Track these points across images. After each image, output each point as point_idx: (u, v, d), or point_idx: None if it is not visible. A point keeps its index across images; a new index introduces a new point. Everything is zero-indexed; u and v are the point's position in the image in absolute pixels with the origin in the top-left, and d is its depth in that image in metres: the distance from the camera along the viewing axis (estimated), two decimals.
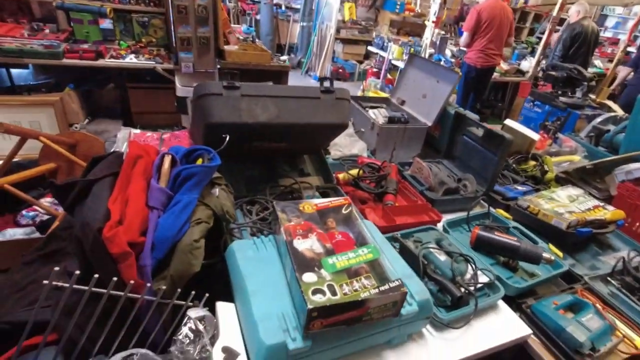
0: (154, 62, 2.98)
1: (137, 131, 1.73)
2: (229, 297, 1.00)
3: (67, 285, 0.77)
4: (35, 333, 0.83)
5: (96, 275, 0.78)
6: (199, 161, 1.06)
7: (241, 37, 3.49)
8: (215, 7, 2.82)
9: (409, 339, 1.02)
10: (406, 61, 2.26)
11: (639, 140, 1.96)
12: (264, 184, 1.45)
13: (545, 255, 1.24)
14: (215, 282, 1.04)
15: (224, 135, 1.13)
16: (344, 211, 1.09)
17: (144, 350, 0.86)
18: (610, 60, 6.04)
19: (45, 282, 0.75)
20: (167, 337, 0.94)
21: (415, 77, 2.17)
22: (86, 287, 0.78)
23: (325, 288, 0.81)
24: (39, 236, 1.41)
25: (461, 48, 5.07)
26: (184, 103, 3.05)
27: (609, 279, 1.36)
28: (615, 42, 7.88)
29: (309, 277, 0.83)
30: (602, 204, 1.59)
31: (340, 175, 1.62)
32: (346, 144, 1.85)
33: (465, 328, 1.07)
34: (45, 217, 1.48)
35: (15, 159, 1.45)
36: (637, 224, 1.62)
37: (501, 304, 1.18)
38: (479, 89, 4.43)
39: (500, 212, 1.56)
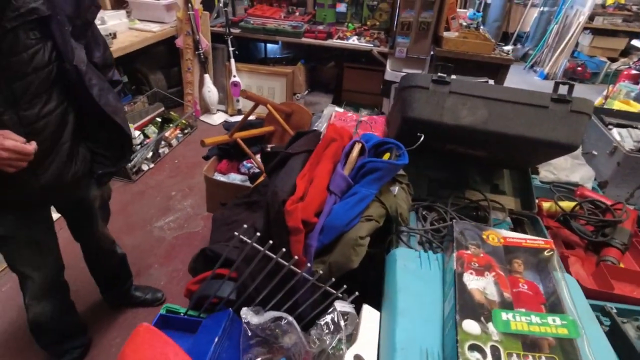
0: (371, 45, 3.10)
1: (340, 110, 1.85)
2: (376, 301, 0.97)
3: (249, 241, 0.89)
4: (224, 265, 1.00)
5: (270, 242, 0.87)
6: (386, 155, 1.03)
7: (465, 24, 3.21)
8: None
9: None
10: None
11: None
12: (447, 191, 1.32)
13: None
14: (368, 282, 1.02)
15: (419, 134, 1.05)
16: (540, 255, 0.86)
17: (291, 318, 0.93)
18: None
19: (235, 233, 0.90)
20: (312, 316, 1.00)
21: None
22: (262, 248, 0.89)
23: (487, 349, 0.66)
24: (248, 185, 1.72)
25: None
26: (389, 87, 3.09)
27: None
28: None
29: (470, 326, 0.69)
30: None
31: (546, 205, 1.31)
32: (564, 167, 1.46)
33: None
34: (257, 170, 1.80)
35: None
36: None
37: None
38: None
39: None
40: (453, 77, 1.43)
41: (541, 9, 5.31)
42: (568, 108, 1.03)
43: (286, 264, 0.90)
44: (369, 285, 1.01)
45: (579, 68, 5.03)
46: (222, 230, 1.50)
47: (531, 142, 1.06)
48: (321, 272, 0.91)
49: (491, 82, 2.67)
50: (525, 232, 1.22)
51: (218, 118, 3.66)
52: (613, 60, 5.20)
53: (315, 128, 1.64)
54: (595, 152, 1.50)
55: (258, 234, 0.87)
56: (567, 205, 1.25)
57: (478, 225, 0.94)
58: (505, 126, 1.04)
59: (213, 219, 1.56)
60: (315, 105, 3.48)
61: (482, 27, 3.42)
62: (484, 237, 0.89)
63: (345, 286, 0.92)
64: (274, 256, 0.89)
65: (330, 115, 1.78)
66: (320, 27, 3.26)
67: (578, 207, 1.23)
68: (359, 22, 3.47)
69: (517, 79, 5.06)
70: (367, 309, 0.91)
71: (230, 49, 3.33)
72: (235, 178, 1.75)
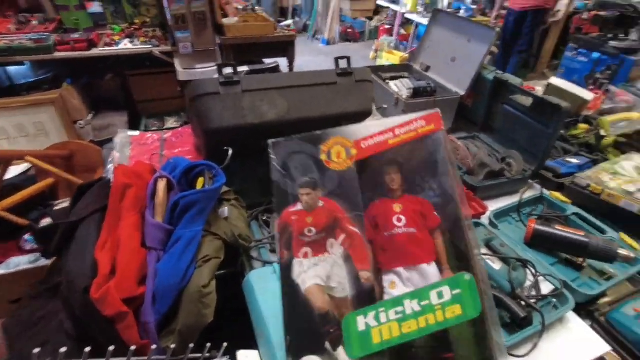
0: (150, 46, 2.75)
1: (136, 133, 1.56)
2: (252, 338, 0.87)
3: None
4: None
5: (87, 349, 0.64)
6: (200, 181, 0.89)
7: (240, 7, 3.18)
8: None
9: None
10: (429, 19, 1.95)
11: None
12: None
13: (622, 252, 1.03)
14: (235, 320, 0.91)
15: (225, 149, 0.94)
16: (425, 144, 0.54)
17: None
18: None
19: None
20: None
21: (442, 37, 1.88)
22: None
23: None
24: (44, 263, 1.30)
25: None
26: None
27: None
28: None
29: None
30: None
31: None
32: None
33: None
34: None
35: (9, 179, 1.32)
36: None
37: (570, 315, 1.00)
38: (519, 39, 3.79)
39: (556, 196, 1.34)
40: (243, 68, 1.36)
41: None
42: (353, 79, 1.10)
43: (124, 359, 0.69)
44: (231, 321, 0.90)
45: (349, 30, 5.80)
46: (25, 337, 1.09)
47: (333, 118, 1.09)
48: (173, 345, 0.74)
49: (283, 60, 2.76)
50: None
51: None
52: (370, 19, 6.19)
53: (110, 165, 1.34)
54: (385, 106, 1.71)
55: (63, 349, 0.62)
56: None
57: (313, 135, 0.56)
58: (307, 110, 1.04)
59: (4, 326, 1.13)
60: (109, 128, 2.93)
61: (257, 7, 3.47)
62: (324, 159, 0.55)
63: (209, 344, 0.78)
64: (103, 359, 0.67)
65: (126, 143, 1.48)
66: (76, 36, 2.68)
67: None
68: (125, 22, 3.01)
69: (305, 49, 5.48)
70: (242, 355, 0.80)
71: None
72: (19, 262, 1.28)
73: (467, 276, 0.46)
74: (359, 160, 0.54)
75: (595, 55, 2.78)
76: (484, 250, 1.06)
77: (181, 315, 0.75)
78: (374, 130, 0.57)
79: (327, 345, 0.47)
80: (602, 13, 2.76)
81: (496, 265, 1.02)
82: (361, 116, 1.15)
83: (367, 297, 0.48)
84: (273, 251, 1.05)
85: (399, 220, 0.51)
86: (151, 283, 0.74)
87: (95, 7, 2.86)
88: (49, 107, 2.69)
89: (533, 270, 1.03)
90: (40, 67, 3.20)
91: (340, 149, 0.56)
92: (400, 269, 0.48)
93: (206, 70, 2.79)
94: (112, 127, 2.95)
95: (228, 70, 0.99)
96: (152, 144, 1.49)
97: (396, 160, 0.54)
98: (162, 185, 0.83)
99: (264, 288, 0.84)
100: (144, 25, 3.01)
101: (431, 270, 0.47)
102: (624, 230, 1.20)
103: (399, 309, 0.45)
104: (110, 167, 1.38)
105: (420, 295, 0.45)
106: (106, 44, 2.70)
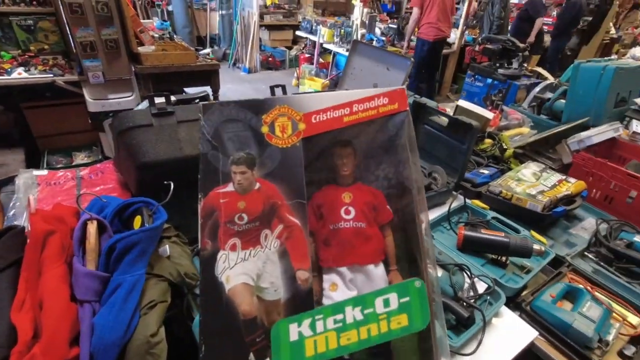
0: (51, 75, 2.48)
1: (44, 172, 1.38)
2: None
3: None
4: None
5: None
6: (137, 220, 0.81)
7: (156, 35, 3.06)
8: (119, 2, 2.39)
9: None
10: (350, 49, 2.10)
11: (579, 107, 2.04)
12: None
13: (536, 247, 1.19)
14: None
15: (166, 183, 0.88)
16: (384, 126, 0.47)
17: None
18: None
19: None
20: None
21: (363, 65, 2.03)
22: None
23: None
24: None
25: (390, 25, 5.05)
26: (99, 119, 2.61)
27: (586, 253, 1.37)
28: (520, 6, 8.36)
29: None
30: (564, 177, 1.60)
31: None
32: None
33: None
34: None
35: None
36: (594, 191, 1.67)
37: (503, 309, 1.11)
38: (432, 64, 4.39)
39: (477, 203, 1.50)
40: (172, 98, 1.30)
41: (220, 12, 5.81)
42: None
43: None
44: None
45: (270, 58, 5.92)
46: None
47: None
48: None
49: (208, 89, 2.70)
50: None
51: None
52: (290, 48, 6.41)
53: (13, 211, 1.15)
54: None
55: None
56: None
57: (254, 102, 0.48)
58: None
59: None
60: (0, 168, 2.53)
61: (175, 36, 3.37)
62: (265, 132, 0.46)
63: None
64: None
65: (31, 184, 1.29)
66: None
67: None
68: (17, 49, 2.68)
69: (227, 77, 5.45)
70: None
71: None
72: None
73: (417, 283, 0.42)
74: (306, 137, 0.44)
75: (489, 80, 3.28)
76: None
77: None
78: (329, 102, 0.45)
79: (251, 357, 0.39)
80: (489, 46, 3.30)
81: (438, 272, 1.09)
82: None
83: (304, 301, 0.40)
84: None
85: (348, 212, 0.45)
86: (87, 342, 0.64)
87: None
88: None
89: (469, 273, 1.12)
90: None
91: (286, 122, 0.45)
92: (344, 269, 0.42)
93: (122, 101, 2.60)
94: (4, 167, 2.56)
95: (160, 100, 0.94)
96: (65, 183, 1.33)
97: (350, 142, 0.45)
98: (93, 228, 0.73)
99: None
100: (42, 52, 2.71)
101: (378, 272, 0.43)
102: (533, 228, 1.38)
103: (339, 316, 0.39)
104: (13, 213, 1.19)
105: (364, 301, 0.39)
106: None
